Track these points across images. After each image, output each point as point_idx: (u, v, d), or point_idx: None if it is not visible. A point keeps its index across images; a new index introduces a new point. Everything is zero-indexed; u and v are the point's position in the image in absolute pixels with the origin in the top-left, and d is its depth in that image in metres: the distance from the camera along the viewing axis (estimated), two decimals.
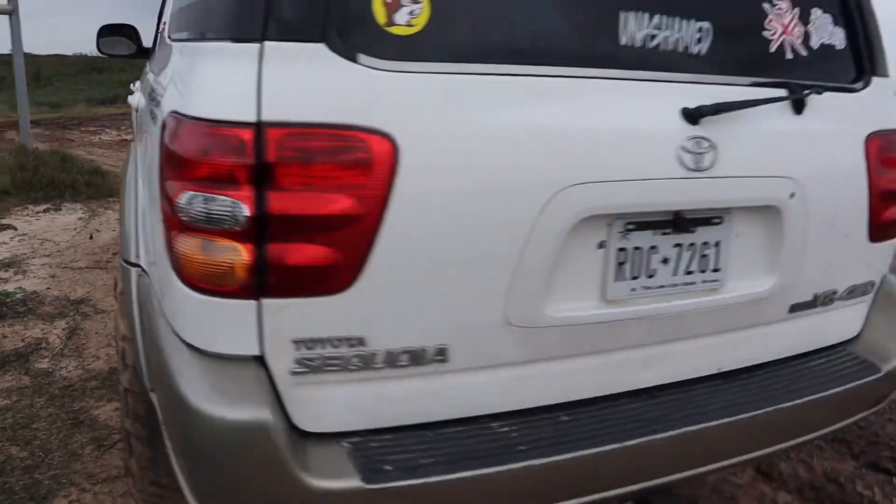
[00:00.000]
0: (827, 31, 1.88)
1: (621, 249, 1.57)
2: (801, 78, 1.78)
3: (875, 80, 1.94)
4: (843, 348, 2.06)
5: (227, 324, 1.31)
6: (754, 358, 1.91)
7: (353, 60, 1.26)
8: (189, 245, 1.27)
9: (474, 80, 1.35)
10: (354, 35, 1.27)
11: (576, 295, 1.54)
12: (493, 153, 1.35)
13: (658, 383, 1.73)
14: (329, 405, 1.40)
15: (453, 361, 1.46)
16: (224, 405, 1.27)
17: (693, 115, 1.54)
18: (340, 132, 1.24)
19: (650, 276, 1.63)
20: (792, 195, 1.73)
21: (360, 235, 1.28)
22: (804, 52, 1.82)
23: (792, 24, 1.79)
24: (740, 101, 1.60)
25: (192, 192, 1.24)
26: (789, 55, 1.78)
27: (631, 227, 1.57)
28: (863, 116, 1.92)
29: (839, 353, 2.04)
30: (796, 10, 1.79)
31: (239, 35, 1.28)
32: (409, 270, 1.34)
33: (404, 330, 1.39)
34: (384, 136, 1.26)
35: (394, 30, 1.30)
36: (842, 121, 1.87)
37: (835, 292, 1.98)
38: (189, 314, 1.34)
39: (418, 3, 1.31)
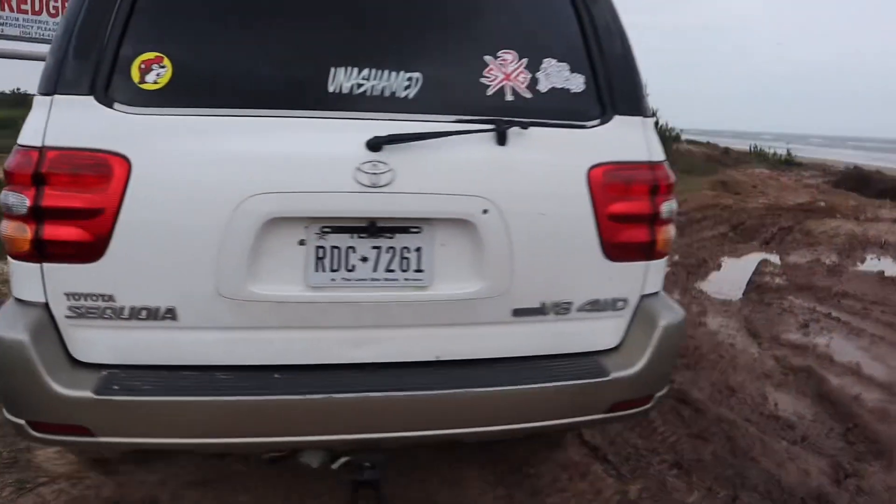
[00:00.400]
0: (561, 78, 2.22)
1: (320, 247, 2.09)
2: (520, 115, 2.14)
3: (617, 118, 2.24)
4: (596, 357, 2.31)
5: (26, 279, 2.01)
6: (478, 352, 2.24)
7: (110, 107, 1.98)
8: (6, 225, 1.99)
9: (194, 119, 2.01)
10: (113, 90, 1.99)
11: (281, 279, 2.08)
12: (198, 170, 1.99)
13: (371, 360, 2.17)
14: (93, 343, 2.05)
15: (182, 320, 2.06)
16: (6, 330, 1.96)
17: (373, 145, 2.02)
18: (92, 153, 1.95)
19: (350, 270, 2.12)
20: (485, 211, 2.11)
21: (104, 223, 1.95)
22: (528, 95, 2.19)
23: (516, 73, 2.18)
24: (416, 133, 2.04)
25: (6, 192, 1.97)
26: (509, 97, 2.17)
27: (327, 229, 2.09)
28: (588, 149, 2.21)
29: (585, 360, 2.30)
30: (524, 60, 2.19)
31: (44, 90, 2.00)
32: (142, 250, 1.99)
33: (141, 292, 2.03)
34: (122, 156, 1.95)
35: (144, 86, 2.00)
36: (559, 152, 2.20)
37: (570, 303, 2.27)
38: (11, 273, 2.06)
39: (163, 67, 2.00)
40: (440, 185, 2.09)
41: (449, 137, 2.06)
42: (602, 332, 2.34)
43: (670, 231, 2.34)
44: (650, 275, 2.33)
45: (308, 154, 2.04)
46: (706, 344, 4.85)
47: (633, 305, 2.34)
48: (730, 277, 7.50)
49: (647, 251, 2.29)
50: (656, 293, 2.39)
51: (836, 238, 9.52)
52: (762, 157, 29.78)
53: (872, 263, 8.15)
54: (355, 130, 2.03)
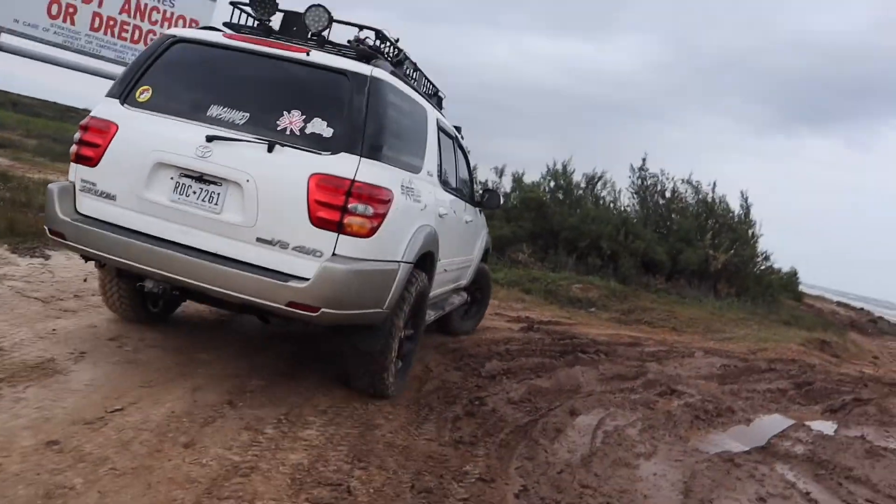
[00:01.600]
0: (320, 128, 4.02)
1: (177, 182, 4.13)
2: (287, 141, 4.02)
3: (341, 154, 3.95)
4: (291, 275, 3.86)
5: (69, 172, 4.40)
6: (234, 254, 3.97)
7: (122, 105, 4.36)
8: (73, 148, 4.40)
9: (150, 114, 4.28)
10: (125, 98, 4.36)
11: (159, 193, 4.18)
12: (142, 136, 4.27)
13: (185, 242, 4.05)
14: (84, 203, 4.28)
15: (118, 202, 4.23)
16: (54, 187, 4.38)
17: (208, 137, 4.05)
18: (101, 120, 4.36)
19: (187, 196, 4.09)
20: (248, 181, 3.96)
21: (100, 152, 4.29)
22: (297, 132, 4.04)
23: (295, 121, 4.06)
24: (227, 137, 4.06)
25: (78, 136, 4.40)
26: (287, 132, 4.04)
27: (182, 174, 4.13)
28: (315, 165, 3.92)
29: (283, 274, 3.88)
30: (304, 116, 4.06)
31: (107, 94, 4.51)
32: (112, 167, 4.24)
33: (106, 186, 4.23)
34: (115, 123, 4.30)
35: (138, 98, 4.34)
36: (299, 162, 3.96)
37: (287, 243, 3.89)
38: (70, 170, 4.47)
39: (147, 92, 4.32)
40: (232, 163, 4.01)
41: (248, 142, 4.05)
42: (301, 265, 3.87)
43: (358, 221, 3.86)
44: (340, 242, 3.85)
45: (182, 136, 4.12)
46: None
47: (326, 257, 3.85)
48: (748, 434, 6.37)
49: (336, 227, 3.85)
50: (346, 256, 3.85)
51: None
52: None
53: None
54: (206, 131, 4.09)
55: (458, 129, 6.51)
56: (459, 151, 6.26)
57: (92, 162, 4.18)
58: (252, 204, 3.92)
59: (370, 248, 3.89)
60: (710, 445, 5.77)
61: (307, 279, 3.74)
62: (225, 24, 4.71)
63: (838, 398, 8.53)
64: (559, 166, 16.69)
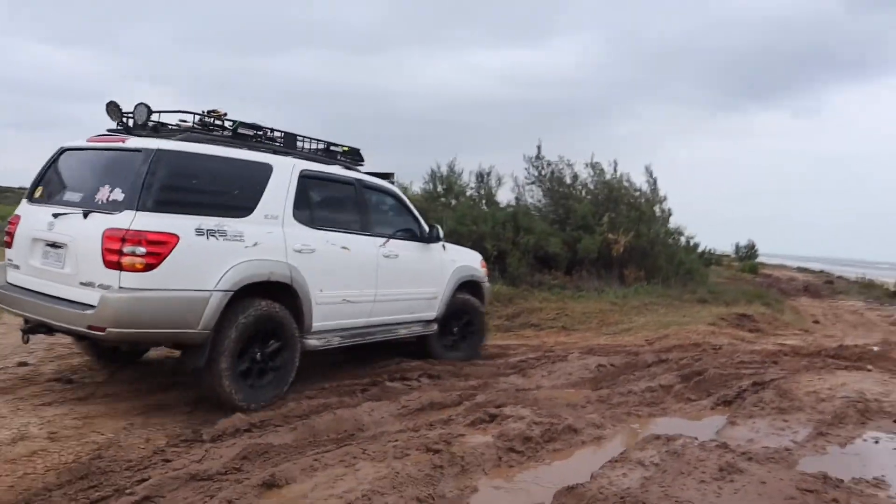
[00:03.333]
0: (118, 196, 5.07)
1: (41, 249, 5.41)
2: (98, 209, 5.09)
3: (127, 212, 4.90)
4: (88, 308, 4.88)
5: None
6: (65, 294, 5.12)
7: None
8: None
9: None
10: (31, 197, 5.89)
11: (31, 258, 5.50)
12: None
13: (44, 291, 5.29)
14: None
15: (17, 267, 5.76)
16: None
17: (54, 214, 5.30)
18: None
19: (46, 258, 5.34)
20: (71, 241, 5.17)
21: None
22: (105, 202, 5.10)
23: (105, 193, 5.12)
24: (63, 213, 5.25)
25: None
26: (98, 202, 5.12)
27: (42, 243, 5.40)
28: (107, 222, 4.90)
29: (85, 308, 4.93)
30: (112, 189, 5.12)
31: None
32: None
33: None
34: None
35: (36, 195, 5.82)
36: (99, 221, 4.97)
37: (93, 283, 4.92)
38: None
39: (40, 189, 5.82)
40: (64, 230, 5.15)
41: (72, 214, 5.14)
42: (97, 297, 4.78)
43: (132, 260, 4.74)
44: (123, 278, 4.75)
45: (43, 217, 5.32)
46: None
47: (113, 289, 4.77)
48: (572, 465, 4.79)
49: (118, 266, 4.75)
50: (129, 287, 4.76)
51: (829, 402, 6.38)
52: (870, 288, 25.47)
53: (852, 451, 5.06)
54: (56, 210, 5.28)
55: (386, 175, 7.42)
56: (375, 195, 7.03)
57: (9, 244, 5.68)
58: (75, 258, 5.05)
59: (155, 280, 4.81)
60: (494, 496, 4.11)
61: (95, 307, 4.74)
62: (108, 130, 5.81)
63: (735, 385, 6.92)
64: (444, 169, 15.11)
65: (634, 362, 7.78)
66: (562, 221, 13.84)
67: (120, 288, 4.71)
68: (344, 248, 6.13)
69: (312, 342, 5.88)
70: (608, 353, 8.10)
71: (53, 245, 5.22)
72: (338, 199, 6.53)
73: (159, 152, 5.01)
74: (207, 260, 5.01)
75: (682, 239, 14.83)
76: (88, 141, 5.53)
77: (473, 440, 4.96)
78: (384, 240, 6.68)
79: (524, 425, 5.35)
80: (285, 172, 5.79)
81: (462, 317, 7.76)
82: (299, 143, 6.46)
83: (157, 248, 4.74)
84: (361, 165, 7.17)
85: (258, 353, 5.47)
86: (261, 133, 6.02)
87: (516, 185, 15.90)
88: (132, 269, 4.69)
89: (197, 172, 5.24)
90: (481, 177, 14.80)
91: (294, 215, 5.74)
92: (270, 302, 5.44)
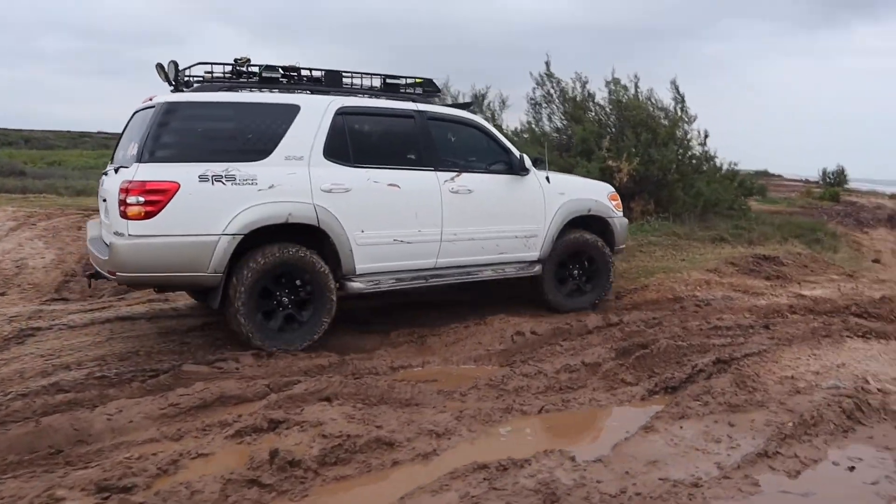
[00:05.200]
0: (133, 150, 5.16)
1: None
2: (125, 164, 5.14)
3: (133, 164, 5.00)
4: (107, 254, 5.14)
5: None
6: (109, 242, 5.15)
7: None
8: None
9: None
10: None
11: None
12: None
13: None
14: None
15: None
16: None
17: (104, 174, 5.81)
18: None
19: None
20: (104, 199, 5.49)
21: None
22: (130, 157, 5.17)
23: (131, 149, 5.20)
24: (105, 171, 5.78)
25: None
26: (128, 156, 5.22)
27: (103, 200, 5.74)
28: (122, 177, 4.97)
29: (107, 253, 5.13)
30: (133, 144, 5.20)
31: None
32: None
33: None
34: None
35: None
36: (119, 178, 5.03)
37: (117, 231, 4.99)
38: None
39: None
40: (107, 187, 5.40)
41: (111, 172, 5.41)
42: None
43: (134, 210, 4.81)
44: (130, 226, 4.82)
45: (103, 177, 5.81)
46: None
47: (125, 236, 4.86)
48: None
49: (124, 215, 4.82)
50: (135, 234, 4.84)
51: (806, 395, 4.48)
52: None
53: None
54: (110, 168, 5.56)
55: (465, 105, 7.28)
56: (445, 127, 6.45)
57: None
58: (110, 210, 5.20)
59: (157, 227, 4.87)
60: None
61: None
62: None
63: (690, 363, 5.05)
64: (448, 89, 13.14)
65: (568, 328, 5.94)
66: (565, 147, 11.81)
67: (129, 235, 4.85)
68: (392, 185, 5.77)
69: (356, 285, 5.64)
70: (540, 316, 6.27)
71: (104, 200, 5.52)
72: (391, 134, 6.21)
73: (166, 104, 5.12)
74: (214, 205, 5.03)
75: (716, 164, 12.40)
76: (142, 102, 5.63)
77: (193, 473, 3.37)
78: (454, 174, 6.15)
79: (308, 438, 3.73)
80: (316, 111, 5.61)
81: (581, 258, 6.90)
82: (356, 80, 6.14)
83: (156, 196, 4.84)
84: (437, 97, 6.77)
85: (284, 297, 5.37)
86: (292, 74, 5.83)
87: (532, 108, 13.84)
88: (137, 217, 4.81)
89: (206, 120, 5.31)
90: (475, 98, 12.76)
91: (326, 154, 5.55)
92: (291, 245, 5.33)
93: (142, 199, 4.81)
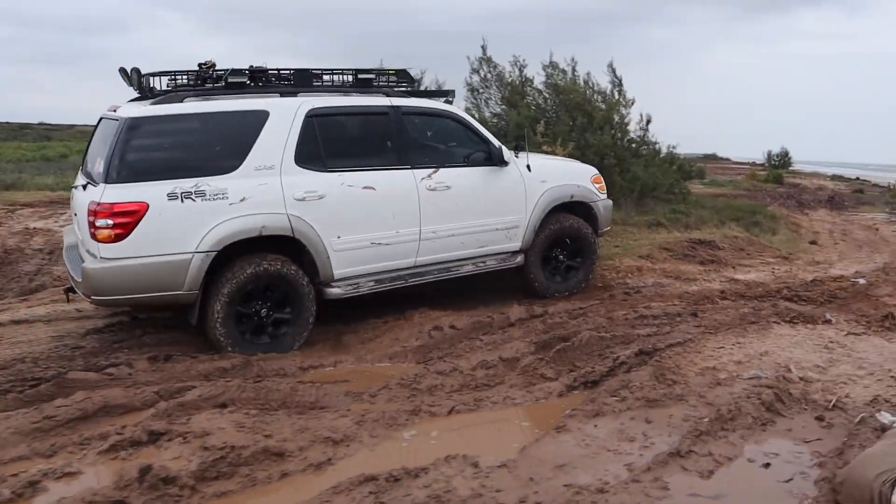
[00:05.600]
0: (100, 167, 4.92)
1: None
2: (93, 181, 5.03)
3: (101, 184, 4.80)
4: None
5: None
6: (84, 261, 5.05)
7: None
8: None
9: None
10: None
11: None
12: None
13: None
14: None
15: None
16: None
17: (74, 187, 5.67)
18: None
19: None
20: (76, 213, 5.28)
21: None
22: (97, 173, 4.96)
23: (98, 165, 5.02)
24: (75, 185, 5.60)
25: None
26: (96, 173, 5.02)
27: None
28: (90, 196, 4.85)
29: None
30: (100, 160, 4.97)
31: None
32: None
33: None
34: None
35: None
36: (88, 196, 4.89)
37: (88, 251, 4.88)
38: None
39: None
40: (76, 202, 5.29)
41: (80, 187, 5.22)
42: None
43: (103, 232, 4.65)
44: (101, 248, 4.68)
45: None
46: None
47: (97, 259, 4.73)
48: None
49: (95, 238, 4.69)
50: (105, 257, 4.69)
51: (727, 386, 4.31)
52: None
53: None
54: (80, 181, 5.32)
55: (443, 94, 6.81)
56: (421, 121, 6.31)
57: None
58: (80, 227, 5.06)
59: (128, 249, 4.72)
60: None
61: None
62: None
63: (612, 356, 4.84)
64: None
65: (490, 321, 5.70)
66: (503, 133, 11.59)
67: (101, 258, 4.73)
68: (367, 187, 5.60)
69: (336, 290, 5.50)
70: (462, 309, 6.00)
71: (76, 214, 5.36)
72: (364, 134, 6.06)
73: (129, 121, 4.89)
74: (185, 223, 4.87)
75: (655, 148, 12.29)
76: (107, 110, 5.47)
77: (52, 497, 3.04)
78: (430, 171, 5.94)
79: (188, 451, 3.42)
80: (286, 116, 5.38)
81: (565, 244, 6.78)
82: (326, 78, 5.87)
83: (125, 219, 4.69)
84: (412, 88, 6.44)
85: (262, 309, 5.24)
86: (260, 77, 5.55)
87: (469, 94, 13.56)
88: (107, 240, 4.67)
89: (171, 135, 5.11)
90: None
91: (298, 161, 5.35)
92: (266, 259, 5.17)
93: (111, 221, 4.66)
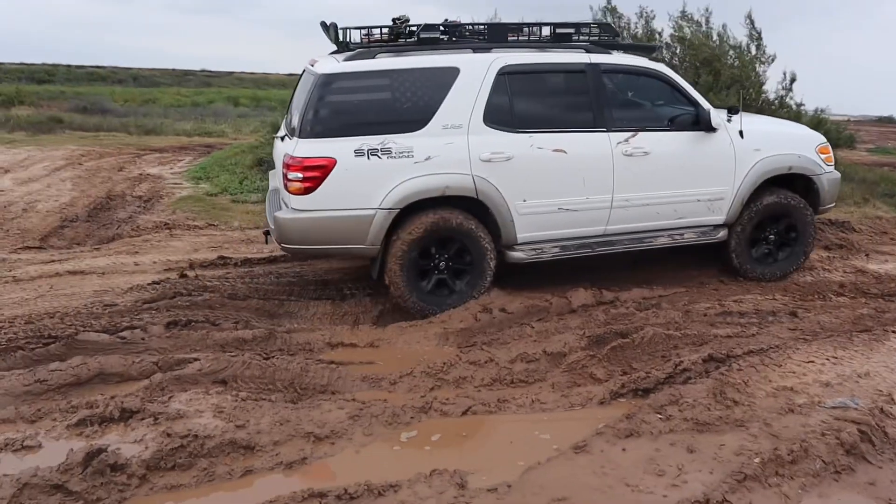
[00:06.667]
0: (296, 120, 5.07)
1: None
2: (291, 133, 5.18)
3: (294, 138, 4.97)
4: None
5: None
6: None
7: None
8: None
9: None
10: None
11: None
12: None
13: None
14: None
15: None
16: None
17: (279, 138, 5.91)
18: None
19: None
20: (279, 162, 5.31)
21: None
22: (296, 125, 5.08)
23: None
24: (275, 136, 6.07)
25: None
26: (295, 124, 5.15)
27: None
28: (286, 148, 5.08)
29: None
30: (303, 111, 5.08)
31: None
32: None
33: None
34: None
35: None
36: (285, 147, 5.13)
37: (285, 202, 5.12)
38: None
39: None
40: (276, 152, 5.61)
41: (280, 137, 5.60)
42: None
43: (294, 185, 4.81)
44: (292, 199, 4.87)
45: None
46: None
47: (288, 209, 4.96)
48: None
49: (287, 189, 4.87)
50: (295, 208, 4.89)
51: (802, 415, 3.56)
52: None
53: None
54: (280, 133, 5.78)
55: (649, 49, 6.49)
56: (622, 80, 5.94)
57: None
58: (277, 176, 5.34)
59: (316, 202, 4.87)
60: None
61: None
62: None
63: (676, 359, 4.16)
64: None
65: (546, 306, 5.09)
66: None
67: (291, 209, 4.94)
68: (558, 150, 5.38)
69: (517, 255, 5.37)
70: (517, 290, 5.38)
71: (276, 163, 5.60)
72: (559, 93, 5.85)
73: (323, 77, 5.01)
74: (370, 180, 4.96)
75: (795, 110, 10.85)
76: (308, 63, 5.61)
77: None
78: (629, 134, 5.62)
79: (152, 436, 3.15)
80: (476, 73, 5.27)
81: (779, 221, 6.18)
82: (522, 33, 5.63)
83: (314, 173, 4.85)
84: (616, 41, 6.09)
85: (441, 263, 5.24)
86: (454, 32, 5.48)
87: None
88: (297, 192, 4.85)
89: (362, 91, 5.17)
90: None
91: (487, 120, 5.24)
92: (450, 215, 5.16)
93: (300, 175, 4.84)
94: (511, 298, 5.15)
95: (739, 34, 11.56)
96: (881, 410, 3.52)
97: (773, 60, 10.96)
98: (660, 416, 3.54)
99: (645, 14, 12.08)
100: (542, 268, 5.57)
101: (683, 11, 11.74)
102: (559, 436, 3.48)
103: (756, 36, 10.99)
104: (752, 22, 10.98)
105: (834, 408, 3.56)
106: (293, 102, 5.71)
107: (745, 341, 4.40)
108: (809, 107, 11.81)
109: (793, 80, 11.29)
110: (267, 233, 5.58)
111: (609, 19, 12.11)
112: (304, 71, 5.61)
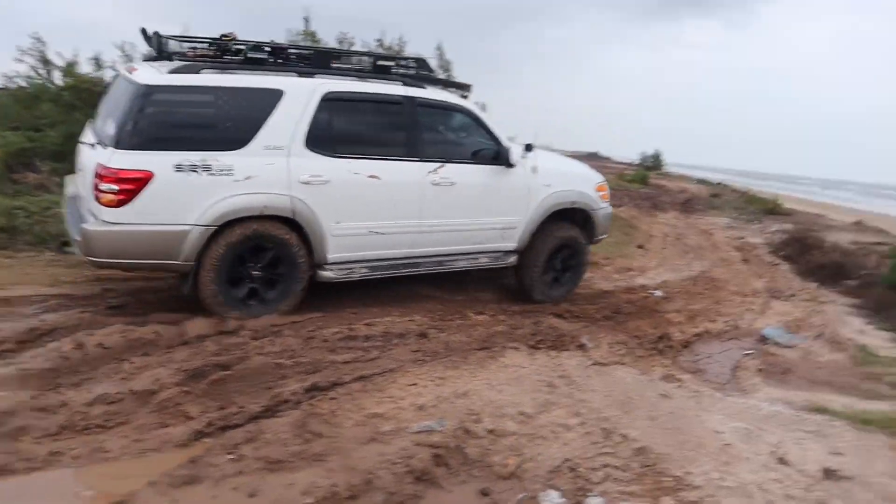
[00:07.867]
0: (111, 128, 4.81)
1: None
2: (103, 142, 4.84)
3: (109, 148, 4.67)
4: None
5: None
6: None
7: None
8: None
9: None
10: None
11: None
12: None
13: None
14: None
15: None
16: None
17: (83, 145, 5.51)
18: None
19: None
20: (81, 170, 5.32)
21: None
22: (108, 133, 4.84)
23: (109, 125, 4.87)
24: (83, 143, 5.47)
25: None
26: (107, 133, 4.87)
27: None
28: (97, 157, 4.76)
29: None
30: (111, 121, 4.88)
31: None
32: None
33: None
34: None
35: None
36: (96, 156, 4.81)
37: (91, 211, 4.78)
38: None
39: None
40: (83, 159, 5.25)
41: (90, 144, 5.18)
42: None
43: (106, 196, 4.55)
44: (103, 211, 4.59)
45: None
46: None
47: (97, 221, 4.67)
48: None
49: (97, 200, 4.60)
50: (105, 220, 4.60)
51: (386, 442, 3.35)
52: (750, 203, 22.95)
53: None
54: (90, 138, 5.25)
55: (462, 87, 6.66)
56: (434, 114, 6.17)
57: None
58: (84, 184, 5.04)
59: (129, 215, 4.66)
60: None
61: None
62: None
63: (276, 391, 3.81)
64: None
65: (154, 339, 4.53)
66: None
67: (101, 221, 4.70)
68: (372, 176, 5.56)
69: (328, 274, 5.45)
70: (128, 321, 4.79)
71: (80, 169, 5.41)
72: (377, 122, 5.99)
73: (146, 87, 4.81)
74: (187, 196, 4.83)
75: None
76: (124, 70, 5.43)
77: None
78: (437, 165, 5.91)
79: None
80: (301, 97, 5.33)
81: (562, 249, 6.74)
82: (345, 59, 5.91)
83: (129, 185, 4.65)
84: (431, 76, 6.51)
85: (255, 271, 5.15)
86: (280, 54, 5.53)
87: None
88: (109, 204, 4.63)
89: (185, 106, 5.05)
90: None
91: (308, 144, 5.30)
92: (268, 224, 5.16)
93: (115, 187, 4.63)
94: (109, 332, 4.49)
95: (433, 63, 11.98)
96: (466, 431, 3.46)
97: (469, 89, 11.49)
98: (231, 456, 3.16)
99: (347, 41, 12.11)
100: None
101: (380, 40, 11.94)
102: (107, 490, 2.94)
103: (446, 66, 11.43)
104: (441, 54, 11.41)
105: (418, 432, 3.42)
106: (104, 109, 5.46)
107: (361, 366, 4.20)
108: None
109: (482, 108, 11.90)
110: (65, 243, 5.39)
111: (308, 44, 11.96)
112: (117, 76, 5.45)
